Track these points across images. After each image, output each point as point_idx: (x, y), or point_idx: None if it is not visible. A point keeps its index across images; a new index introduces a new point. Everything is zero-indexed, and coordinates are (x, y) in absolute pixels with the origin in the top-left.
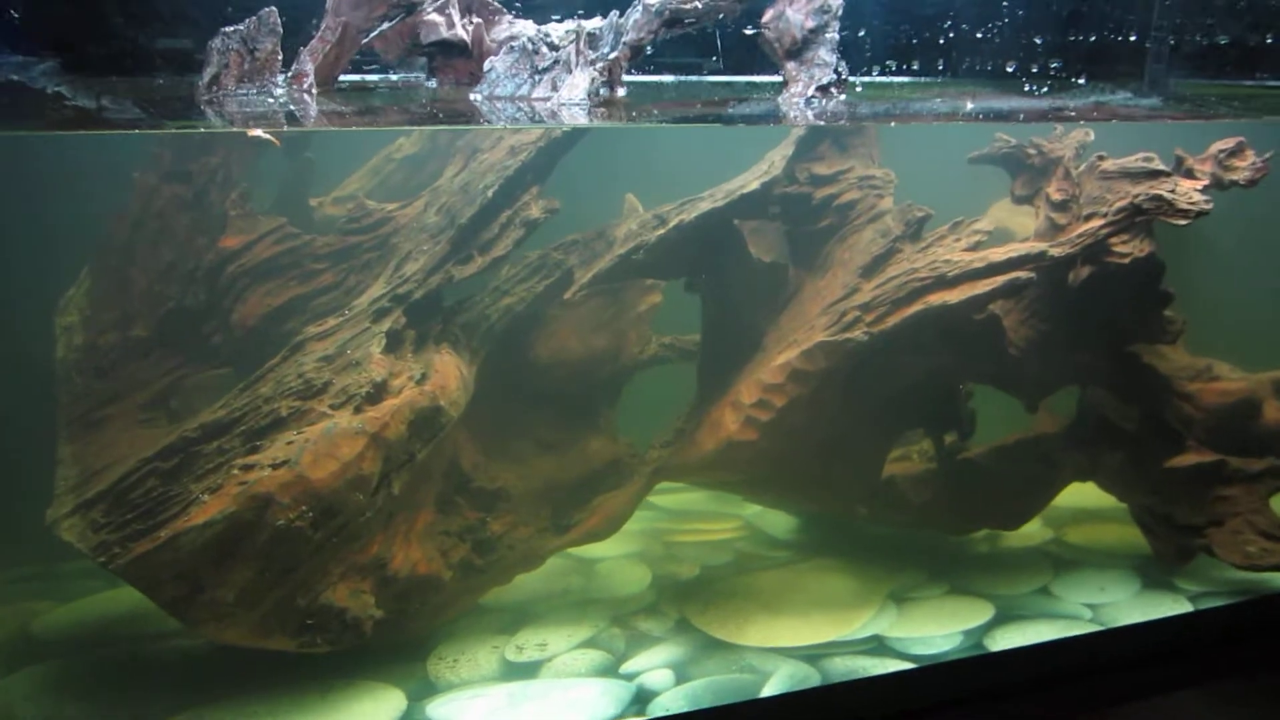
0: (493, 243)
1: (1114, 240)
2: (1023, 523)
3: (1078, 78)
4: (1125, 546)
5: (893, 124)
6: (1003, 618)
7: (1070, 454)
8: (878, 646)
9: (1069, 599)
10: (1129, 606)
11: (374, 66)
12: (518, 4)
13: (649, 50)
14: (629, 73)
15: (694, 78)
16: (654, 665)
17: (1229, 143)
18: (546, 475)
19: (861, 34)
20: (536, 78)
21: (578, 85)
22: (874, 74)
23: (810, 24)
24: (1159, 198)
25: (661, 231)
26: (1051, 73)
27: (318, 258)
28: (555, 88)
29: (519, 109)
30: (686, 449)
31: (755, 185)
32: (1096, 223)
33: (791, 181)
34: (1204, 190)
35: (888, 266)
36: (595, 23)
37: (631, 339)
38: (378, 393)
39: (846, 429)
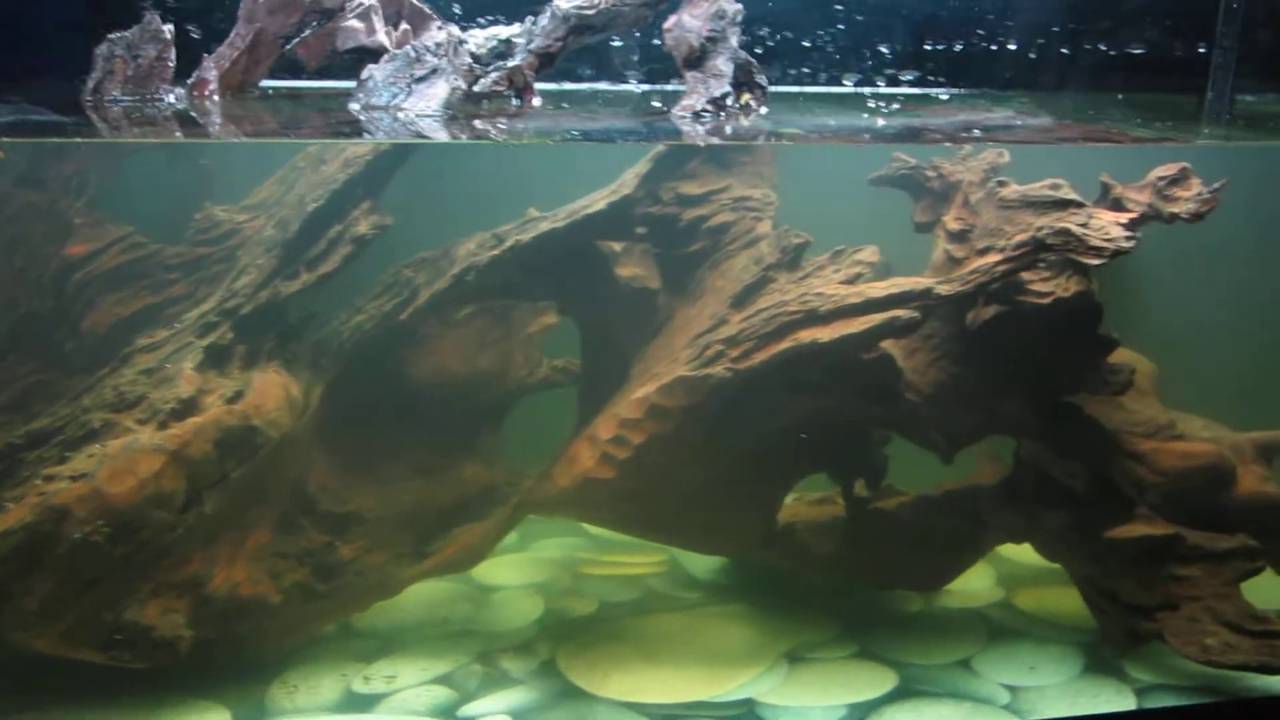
0: (321, 259)
1: (1029, 277)
2: (940, 584)
3: (941, 89)
4: (1081, 618)
5: (778, 142)
6: (903, 692)
7: (1002, 511)
8: (744, 714)
9: (989, 677)
10: (1057, 694)
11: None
12: (456, 9)
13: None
14: (560, 80)
15: (626, 87)
16: (495, 710)
17: (1170, 169)
18: (415, 499)
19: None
20: (412, 87)
21: (435, 96)
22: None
23: (707, 31)
24: (1066, 232)
25: (495, 252)
26: (905, 84)
27: (169, 268)
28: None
29: (387, 119)
30: (545, 483)
31: (601, 206)
32: (993, 258)
33: (656, 201)
34: (1136, 223)
35: (759, 297)
36: (514, 29)
37: (520, 361)
38: (185, 409)
39: (727, 470)
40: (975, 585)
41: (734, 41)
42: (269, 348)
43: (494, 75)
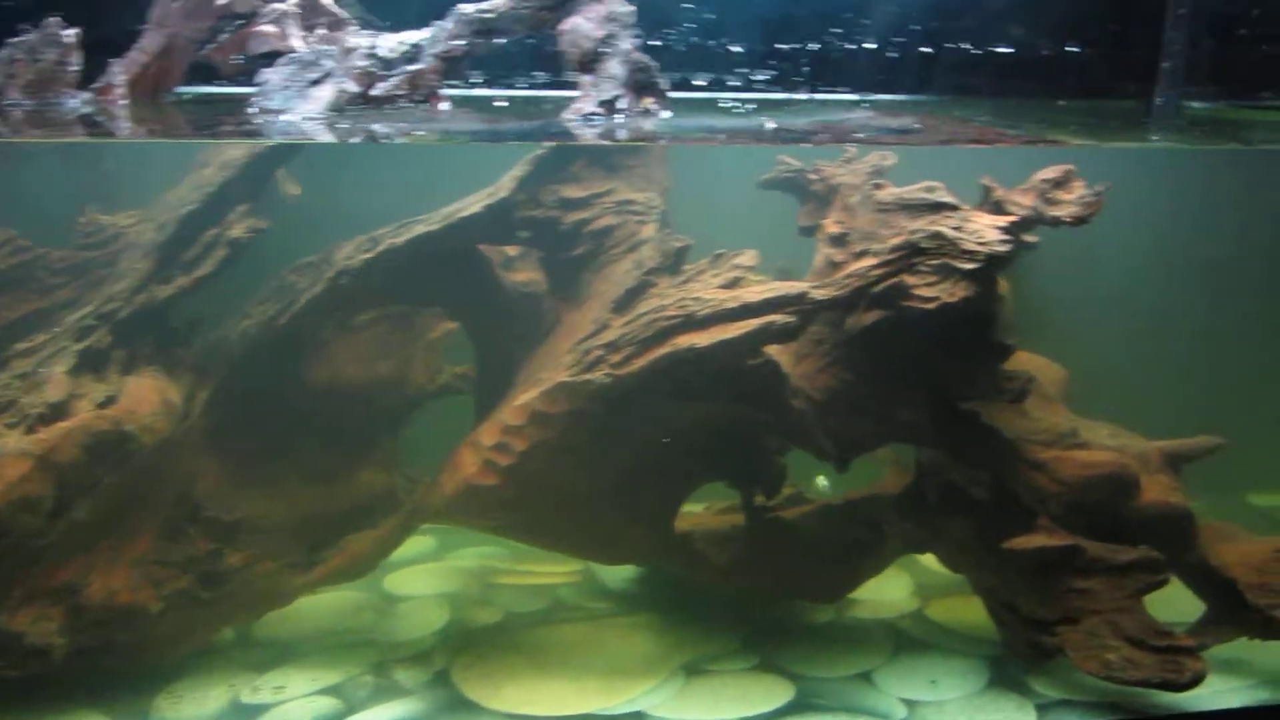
0: (196, 262)
1: (914, 282)
2: (839, 595)
3: (798, 90)
4: (991, 631)
5: (663, 143)
6: (797, 706)
7: (903, 520)
8: None
9: (889, 691)
10: (955, 710)
11: None
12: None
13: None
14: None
15: (550, 92)
16: None
17: (1054, 171)
18: (309, 507)
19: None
20: (305, 91)
21: (321, 99)
22: None
23: (599, 33)
24: (939, 235)
25: (368, 255)
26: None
27: (55, 271)
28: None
29: (278, 122)
30: (433, 490)
31: (477, 209)
32: (869, 262)
33: (537, 204)
34: (1016, 227)
35: (640, 302)
36: (425, 33)
37: (420, 367)
38: (54, 414)
39: (617, 478)
40: (890, 595)
41: (626, 44)
42: (148, 353)
43: (395, 79)
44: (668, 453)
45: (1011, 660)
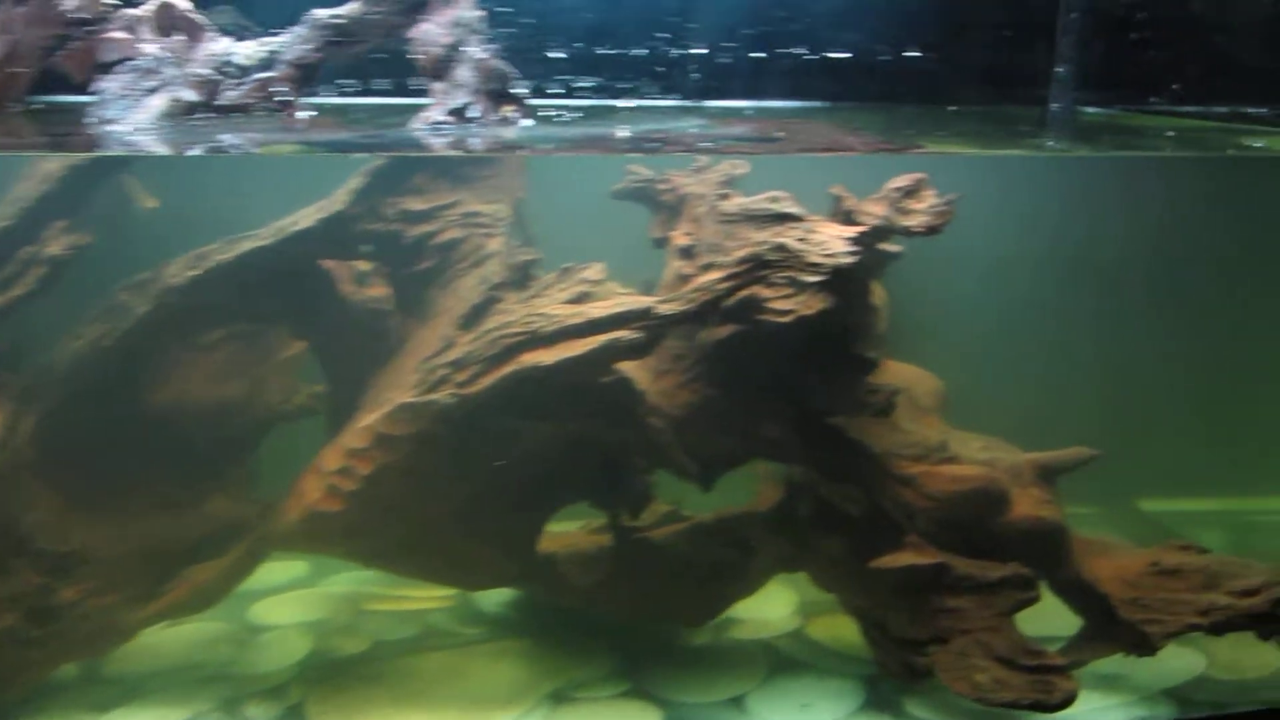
0: (12, 281)
1: (768, 294)
2: (709, 618)
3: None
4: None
5: (521, 153)
6: None
7: (773, 538)
8: None
9: (760, 716)
10: None
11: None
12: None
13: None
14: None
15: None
16: None
17: (905, 180)
18: (155, 537)
19: None
20: (140, 100)
21: (153, 108)
22: None
23: (448, 39)
24: (783, 248)
25: (195, 273)
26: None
27: None
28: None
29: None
30: (277, 518)
31: (310, 223)
32: (714, 275)
33: (378, 218)
34: (865, 238)
35: (487, 318)
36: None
37: (272, 387)
38: None
39: (472, 500)
40: (771, 612)
41: (477, 50)
42: None
43: (245, 87)
44: (526, 474)
45: (887, 681)
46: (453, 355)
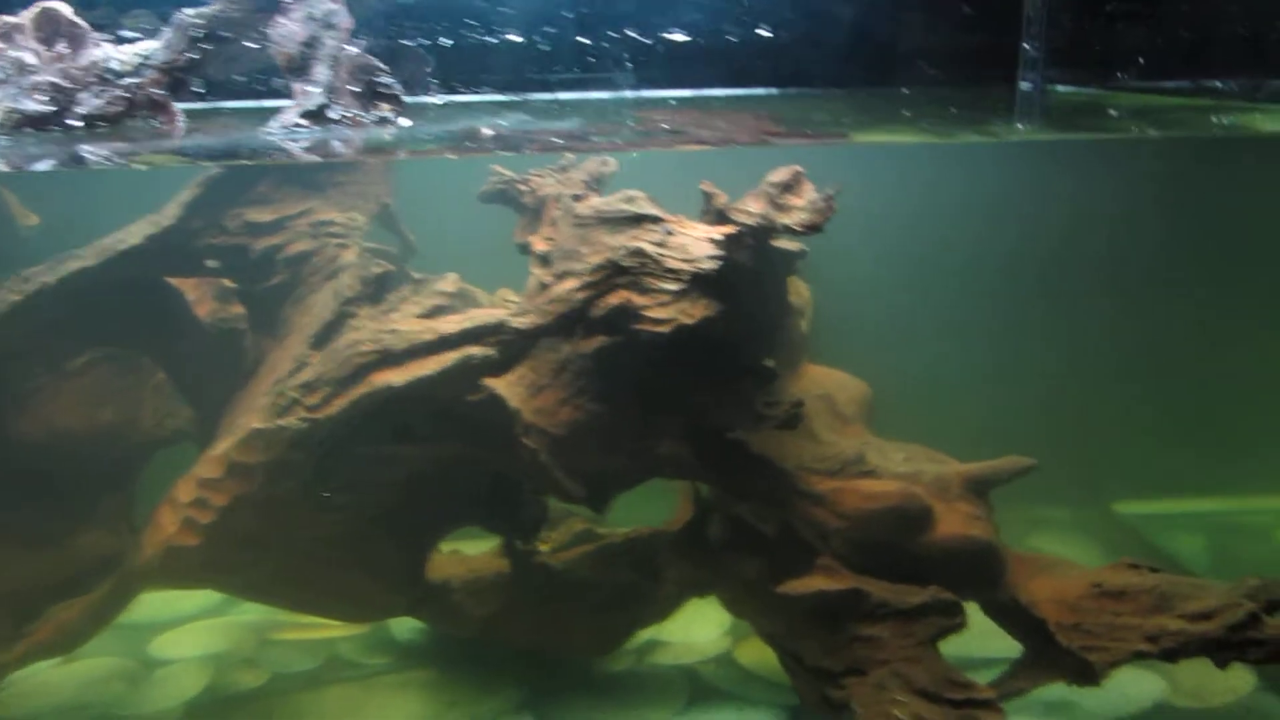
0: None
1: (644, 302)
2: (613, 647)
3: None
4: None
5: (380, 159)
6: None
7: (680, 561)
8: None
9: None
10: None
11: None
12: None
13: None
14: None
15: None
16: None
17: (783, 174)
18: (22, 575)
19: None
20: None
21: None
22: None
23: (303, 35)
24: (640, 252)
25: (17, 298)
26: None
27: None
28: None
29: None
30: (137, 553)
31: (138, 239)
32: (570, 284)
33: (221, 231)
34: (734, 240)
35: (340, 336)
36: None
37: (147, 412)
38: None
39: (350, 529)
40: (699, 636)
41: (333, 47)
42: None
43: (110, 95)
44: (411, 499)
45: (809, 713)
46: (304, 377)
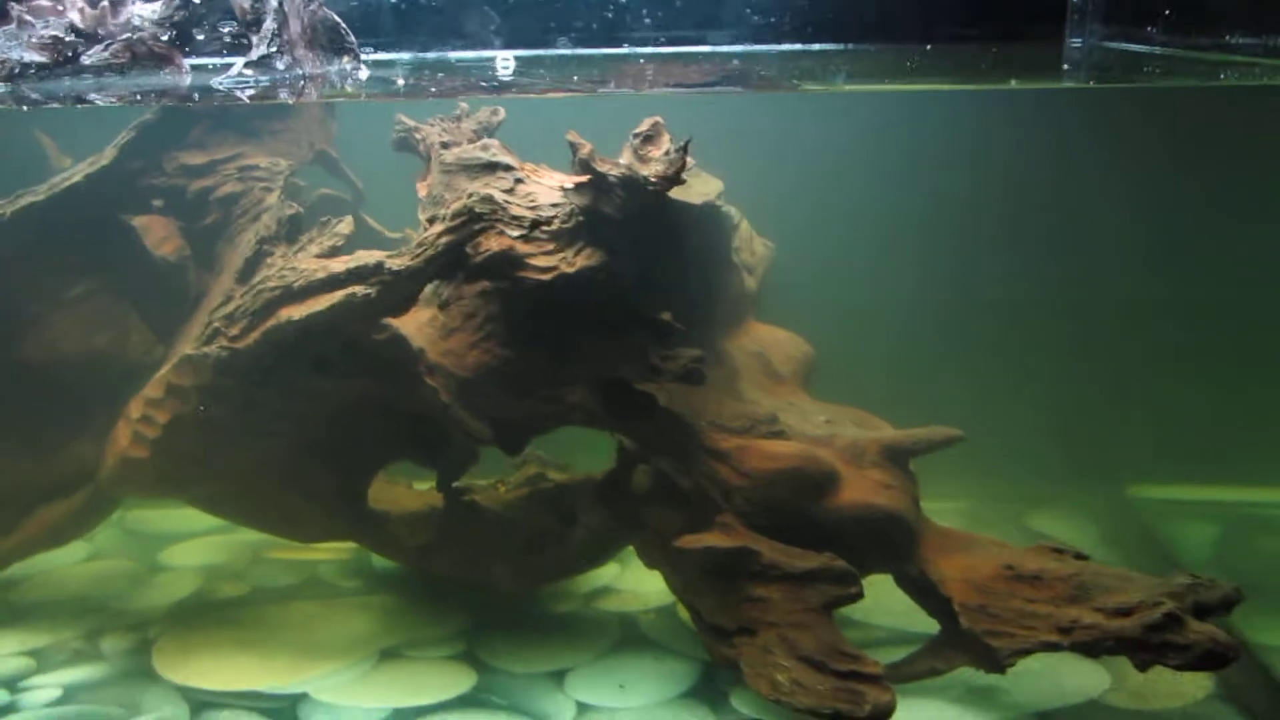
0: None
1: (529, 250)
2: (531, 586)
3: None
4: None
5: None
6: (464, 700)
7: (594, 509)
8: (285, 708)
9: (572, 692)
10: (625, 717)
11: None
12: None
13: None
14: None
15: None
16: (57, 684)
17: (645, 125)
18: (23, 478)
19: None
20: None
21: None
22: None
23: None
24: (490, 199)
25: None
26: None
27: None
28: None
29: None
30: (103, 462)
31: (79, 178)
32: (437, 228)
33: (161, 172)
34: (585, 189)
35: (258, 272)
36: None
37: (135, 341)
38: None
39: (285, 454)
40: (650, 587)
41: (286, 1)
42: None
43: (114, 47)
44: (348, 430)
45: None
46: (227, 309)
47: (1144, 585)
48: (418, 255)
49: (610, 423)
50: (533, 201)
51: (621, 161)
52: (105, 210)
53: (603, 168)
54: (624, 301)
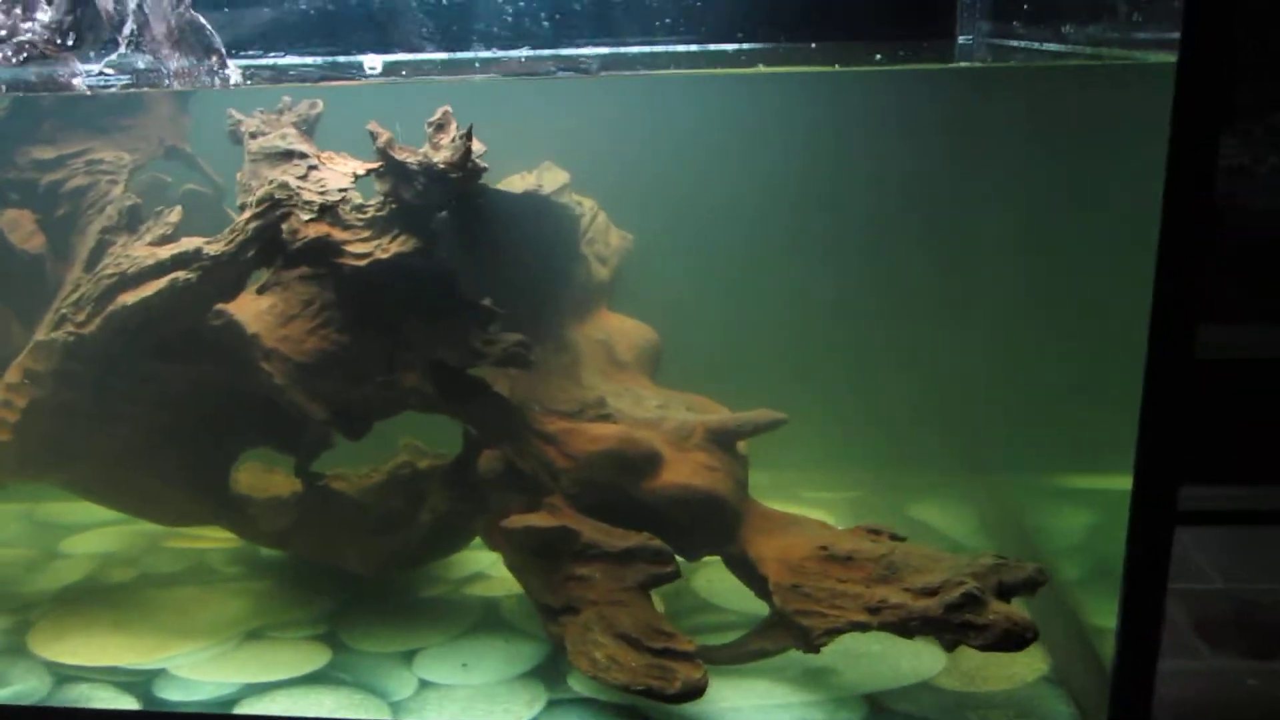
0: None
1: (344, 237)
2: (382, 569)
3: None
4: None
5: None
6: (312, 678)
7: (443, 494)
8: (140, 682)
9: (417, 671)
10: (461, 695)
11: None
12: None
13: None
14: None
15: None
16: None
17: (437, 114)
18: None
19: None
20: None
21: None
22: None
23: None
24: (285, 185)
25: None
26: None
27: None
28: None
29: None
30: None
31: None
32: (246, 215)
33: (14, 167)
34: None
35: (103, 261)
36: None
37: (15, 329)
38: None
39: (144, 437)
40: None
41: (149, 4)
42: None
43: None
44: (195, 415)
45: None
46: (74, 297)
47: (950, 565)
48: (231, 241)
49: (444, 407)
50: (323, 186)
51: (420, 151)
52: None
53: (400, 155)
54: (445, 286)
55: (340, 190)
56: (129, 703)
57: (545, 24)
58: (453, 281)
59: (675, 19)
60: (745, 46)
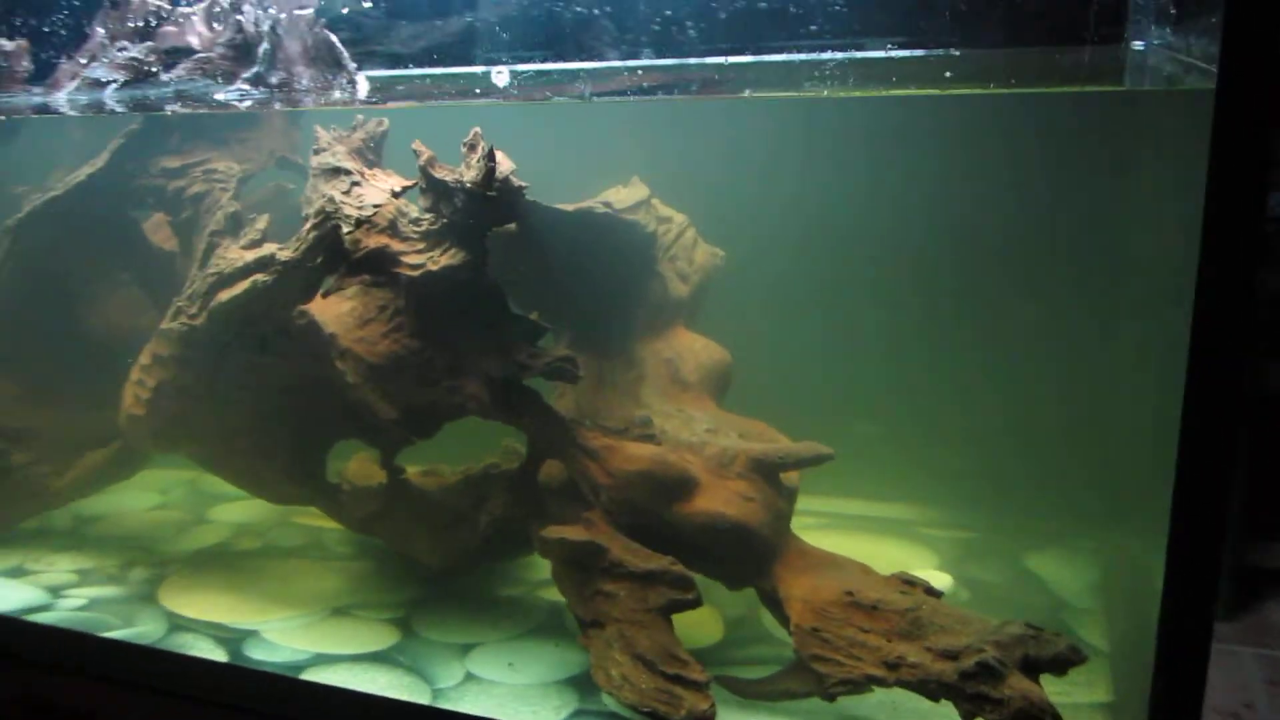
0: None
1: (402, 248)
2: (448, 565)
3: None
4: None
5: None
6: (376, 656)
7: (500, 496)
8: (234, 638)
9: (468, 664)
10: (499, 693)
11: None
12: None
13: None
14: None
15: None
16: (83, 596)
17: (470, 135)
18: (81, 428)
19: None
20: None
21: (66, 87)
22: None
23: (252, 17)
24: (333, 200)
25: (20, 217)
26: None
27: None
28: None
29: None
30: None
31: (83, 177)
32: (306, 226)
33: (149, 174)
34: (443, 189)
35: (210, 261)
36: None
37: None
38: None
39: (251, 422)
40: None
41: (283, 25)
42: None
43: (187, 65)
44: (308, 404)
45: None
46: (188, 292)
47: (978, 629)
48: (296, 248)
49: (498, 415)
50: (361, 202)
51: (457, 170)
52: (111, 206)
53: (439, 174)
54: (494, 300)
55: (375, 205)
56: (220, 655)
57: (692, 31)
58: (501, 295)
59: (821, 25)
60: (895, 54)
